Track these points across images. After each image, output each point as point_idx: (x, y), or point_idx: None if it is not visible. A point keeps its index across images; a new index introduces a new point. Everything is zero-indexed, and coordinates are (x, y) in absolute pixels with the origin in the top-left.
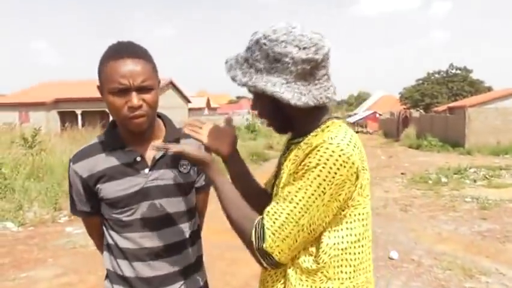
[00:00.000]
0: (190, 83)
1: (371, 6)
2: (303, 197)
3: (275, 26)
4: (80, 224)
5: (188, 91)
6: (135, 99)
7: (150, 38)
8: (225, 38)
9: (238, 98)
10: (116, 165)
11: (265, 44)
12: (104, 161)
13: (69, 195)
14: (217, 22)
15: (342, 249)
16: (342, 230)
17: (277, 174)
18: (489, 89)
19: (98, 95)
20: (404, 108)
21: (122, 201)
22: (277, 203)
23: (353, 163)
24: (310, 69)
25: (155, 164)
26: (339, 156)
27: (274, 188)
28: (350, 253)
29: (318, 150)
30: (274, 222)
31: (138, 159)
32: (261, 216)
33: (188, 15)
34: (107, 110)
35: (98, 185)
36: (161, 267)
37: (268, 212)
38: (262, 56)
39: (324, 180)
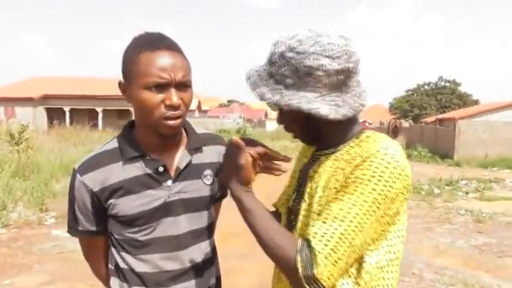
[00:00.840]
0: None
1: (362, 16)
2: (357, 214)
3: (299, 36)
4: None
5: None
6: (175, 96)
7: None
8: (217, 40)
9: (229, 101)
10: (135, 177)
11: (293, 58)
12: (121, 172)
13: (69, 213)
14: (209, 24)
15: (381, 267)
16: (383, 247)
17: (298, 189)
18: (476, 102)
19: (88, 92)
20: (394, 118)
21: (140, 218)
22: (325, 222)
23: (406, 175)
24: (344, 79)
25: (179, 175)
26: (395, 168)
27: (302, 204)
28: (388, 271)
29: (372, 161)
30: (325, 245)
31: (161, 169)
32: (304, 239)
33: (181, 16)
34: (96, 108)
35: (111, 200)
36: None
37: (316, 233)
38: (291, 70)
39: (380, 194)
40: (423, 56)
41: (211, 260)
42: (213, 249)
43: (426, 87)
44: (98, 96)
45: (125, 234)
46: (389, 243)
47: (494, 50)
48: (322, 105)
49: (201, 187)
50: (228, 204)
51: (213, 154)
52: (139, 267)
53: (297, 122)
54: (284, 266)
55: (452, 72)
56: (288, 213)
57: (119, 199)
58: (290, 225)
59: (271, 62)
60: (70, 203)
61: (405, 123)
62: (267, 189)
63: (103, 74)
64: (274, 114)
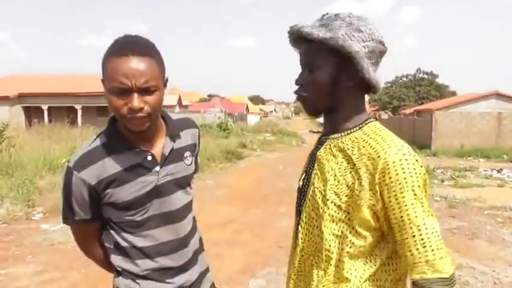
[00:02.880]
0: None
1: (340, 9)
2: (423, 211)
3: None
4: (56, 220)
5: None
6: (136, 101)
7: (120, 34)
8: (197, 35)
9: (210, 96)
10: (128, 167)
11: (349, 16)
12: (113, 165)
13: (65, 206)
14: (190, 19)
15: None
16: None
17: (308, 171)
18: (453, 93)
19: (65, 90)
20: (373, 110)
21: (136, 202)
22: (415, 236)
23: (422, 167)
24: (379, 53)
25: (165, 161)
26: (422, 165)
27: (310, 186)
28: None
29: (403, 168)
30: (432, 250)
31: (149, 158)
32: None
33: (161, 11)
34: (75, 106)
35: (108, 190)
36: (182, 257)
37: (419, 250)
38: (345, 23)
39: (421, 189)
40: (402, 48)
41: (195, 225)
42: (194, 217)
43: (404, 79)
44: (76, 94)
45: (123, 218)
46: None
47: (471, 42)
48: (364, 58)
49: (183, 168)
50: (209, 196)
51: (188, 137)
52: (140, 242)
53: (322, 79)
54: None
55: (430, 64)
56: (299, 191)
57: (115, 189)
58: (300, 203)
59: (322, 19)
60: (66, 197)
61: (385, 115)
62: (256, 175)
63: (79, 71)
64: (255, 108)
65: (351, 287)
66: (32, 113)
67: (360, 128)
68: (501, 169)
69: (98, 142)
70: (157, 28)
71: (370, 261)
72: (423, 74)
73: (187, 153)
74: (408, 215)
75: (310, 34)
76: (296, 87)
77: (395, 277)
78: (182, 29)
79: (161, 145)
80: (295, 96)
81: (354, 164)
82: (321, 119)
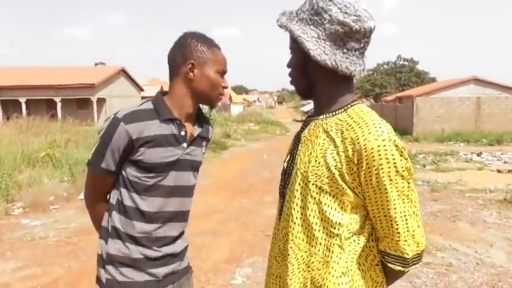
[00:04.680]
0: (143, 71)
1: None
2: (398, 196)
3: None
4: (37, 215)
5: (140, 79)
6: (226, 82)
7: (101, 24)
8: (179, 25)
9: None
10: (166, 134)
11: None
12: (155, 128)
13: (97, 152)
14: (171, 9)
15: None
16: None
17: (292, 152)
18: (433, 79)
19: (44, 82)
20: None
21: (159, 167)
22: (386, 216)
23: (403, 152)
24: (343, 34)
25: (192, 141)
26: (403, 151)
27: (294, 167)
28: None
29: (379, 155)
30: (398, 233)
31: (183, 133)
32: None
33: (143, 2)
34: (54, 98)
35: (142, 148)
36: (173, 229)
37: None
38: (309, 7)
39: (407, 179)
40: (383, 36)
41: (189, 210)
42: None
43: (385, 66)
44: (55, 86)
45: (141, 177)
46: None
47: (449, 30)
48: (312, 42)
49: (199, 153)
50: (196, 188)
51: (207, 131)
52: (145, 206)
53: (297, 63)
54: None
55: (410, 51)
56: (283, 173)
57: (149, 149)
58: (284, 185)
59: (304, 4)
60: (103, 143)
61: (367, 102)
62: (241, 165)
63: (59, 62)
64: (239, 98)
65: (337, 267)
66: (9, 107)
67: (345, 110)
68: (480, 153)
69: (146, 106)
70: (140, 19)
71: (357, 238)
72: (403, 61)
73: (204, 143)
74: (380, 197)
75: (276, 21)
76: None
77: (376, 250)
78: (165, 19)
79: (193, 128)
80: (280, 85)
81: (336, 146)
82: (304, 107)
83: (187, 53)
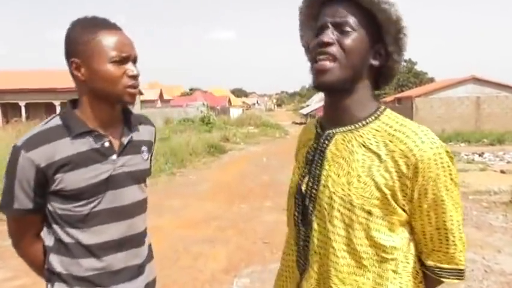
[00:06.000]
0: (142, 74)
1: None
2: (452, 206)
3: None
4: None
5: (140, 83)
6: (135, 68)
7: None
8: (177, 27)
9: (192, 90)
10: (83, 152)
11: None
12: (68, 147)
13: (5, 190)
14: (169, 11)
15: None
16: None
17: (312, 172)
18: (432, 80)
19: (44, 85)
20: None
21: (88, 191)
22: (439, 229)
23: (452, 157)
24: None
25: (123, 150)
26: (452, 156)
27: (322, 189)
28: None
29: (436, 165)
30: (454, 244)
31: (107, 144)
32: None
33: (139, 4)
34: (53, 102)
35: (58, 175)
36: (131, 258)
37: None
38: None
39: (458, 186)
40: None
41: (146, 228)
42: (145, 221)
43: None
44: (55, 89)
45: (70, 209)
46: None
47: (446, 29)
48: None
49: (140, 161)
50: (192, 192)
51: (146, 133)
52: (86, 238)
53: (353, 45)
54: None
55: (408, 51)
56: (301, 197)
57: (67, 174)
58: (305, 211)
59: None
60: (9, 180)
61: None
62: (240, 169)
63: (57, 65)
64: (238, 101)
65: None
66: (9, 110)
67: (376, 117)
68: (482, 153)
69: (53, 123)
70: (136, 21)
71: (406, 258)
72: None
73: (144, 148)
74: (435, 210)
75: None
76: (315, 49)
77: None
78: (162, 23)
79: (120, 134)
80: (279, 87)
81: (382, 161)
82: (304, 110)
83: (69, 50)
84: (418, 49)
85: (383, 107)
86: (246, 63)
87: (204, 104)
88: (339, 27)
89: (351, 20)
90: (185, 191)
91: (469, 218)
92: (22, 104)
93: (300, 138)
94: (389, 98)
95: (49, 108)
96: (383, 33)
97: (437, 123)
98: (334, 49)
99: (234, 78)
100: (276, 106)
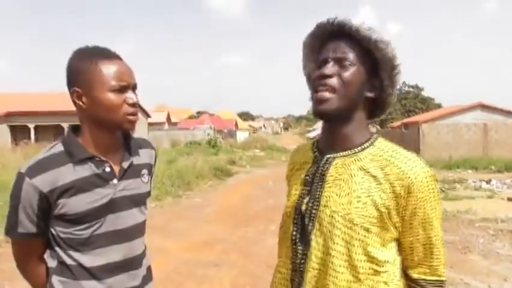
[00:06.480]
0: (150, 97)
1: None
2: (437, 223)
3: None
4: None
5: (147, 105)
6: (134, 96)
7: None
8: (186, 52)
9: (199, 113)
10: (85, 177)
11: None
12: (71, 173)
13: (10, 216)
14: (178, 36)
15: None
16: None
17: (312, 193)
18: (439, 105)
19: (53, 108)
20: None
21: (90, 215)
22: (425, 244)
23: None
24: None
25: (124, 174)
26: (436, 180)
27: (323, 209)
28: None
29: (427, 186)
30: (438, 258)
31: (108, 169)
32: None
33: (149, 29)
34: (62, 124)
35: (61, 200)
36: (131, 280)
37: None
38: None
39: (439, 204)
40: None
41: (144, 251)
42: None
43: None
44: (64, 112)
45: (73, 232)
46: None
47: (453, 56)
48: (400, 75)
49: (140, 185)
50: (197, 215)
51: (146, 156)
52: (88, 261)
53: (351, 78)
54: None
55: (415, 77)
56: (300, 217)
57: (70, 198)
58: (303, 229)
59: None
60: (13, 205)
61: (373, 129)
62: (245, 192)
63: (67, 90)
64: (244, 124)
65: None
66: (18, 132)
67: (372, 143)
68: (490, 180)
69: (56, 149)
70: (146, 45)
71: (394, 271)
72: (408, 88)
73: (144, 171)
74: (423, 227)
75: (362, 30)
76: (317, 80)
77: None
78: (171, 46)
79: (120, 159)
80: (285, 111)
81: (380, 184)
82: (310, 134)
83: (70, 79)
84: (425, 75)
85: (375, 134)
86: (253, 87)
87: (210, 127)
88: (340, 62)
89: (351, 55)
90: (191, 213)
91: (475, 245)
92: (31, 126)
93: (292, 160)
94: (396, 123)
95: (58, 131)
96: (379, 69)
97: (444, 150)
98: (334, 81)
99: (241, 102)
100: (282, 130)
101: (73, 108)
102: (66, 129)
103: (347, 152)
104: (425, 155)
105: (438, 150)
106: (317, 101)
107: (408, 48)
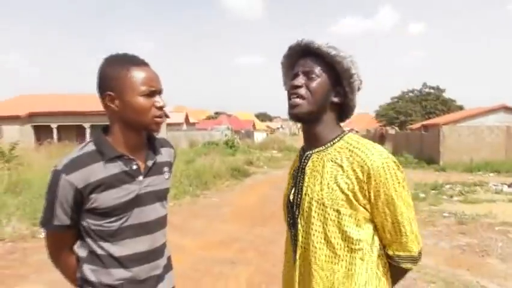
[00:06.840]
0: (168, 98)
1: (345, 25)
2: (403, 204)
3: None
4: None
5: (166, 106)
6: (162, 100)
7: (128, 51)
8: (204, 52)
9: (217, 113)
10: (115, 174)
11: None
12: (102, 170)
13: (46, 209)
14: (197, 36)
15: None
16: None
17: (297, 185)
18: (460, 107)
19: (75, 108)
20: (380, 126)
21: (118, 209)
22: (394, 223)
23: (399, 166)
24: (358, 90)
25: (148, 172)
26: (399, 165)
27: (304, 197)
28: None
29: (385, 171)
30: (406, 235)
31: (135, 167)
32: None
33: (168, 29)
34: (83, 124)
35: (93, 195)
36: (154, 269)
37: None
38: (347, 54)
39: (406, 189)
40: (408, 63)
41: (165, 242)
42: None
43: (410, 94)
44: (85, 113)
45: (103, 224)
46: None
47: (476, 57)
48: (357, 84)
49: (162, 181)
50: (215, 214)
51: (167, 154)
52: (117, 251)
53: (317, 88)
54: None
55: (436, 78)
56: (290, 205)
57: (101, 194)
58: (293, 216)
59: (327, 44)
60: (50, 200)
61: (391, 131)
62: (262, 192)
63: (88, 90)
64: (262, 125)
65: (361, 278)
66: (41, 132)
67: (340, 139)
68: (511, 183)
69: (88, 148)
70: (165, 46)
71: (371, 249)
72: (429, 89)
73: (166, 169)
74: (388, 207)
75: (322, 48)
76: (290, 90)
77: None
78: (189, 47)
79: (145, 157)
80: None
81: (345, 171)
82: None
83: (103, 84)
84: (447, 77)
85: (346, 131)
86: (271, 87)
87: (228, 128)
88: (307, 74)
89: (317, 69)
90: (209, 212)
91: (493, 249)
92: (54, 126)
93: (293, 160)
94: (415, 125)
95: (80, 131)
96: (341, 78)
97: (465, 152)
98: (302, 90)
99: (259, 103)
100: (300, 130)
101: (93, 109)
102: (88, 129)
103: (321, 147)
104: (445, 157)
105: (459, 153)
106: (290, 107)
107: (431, 49)
